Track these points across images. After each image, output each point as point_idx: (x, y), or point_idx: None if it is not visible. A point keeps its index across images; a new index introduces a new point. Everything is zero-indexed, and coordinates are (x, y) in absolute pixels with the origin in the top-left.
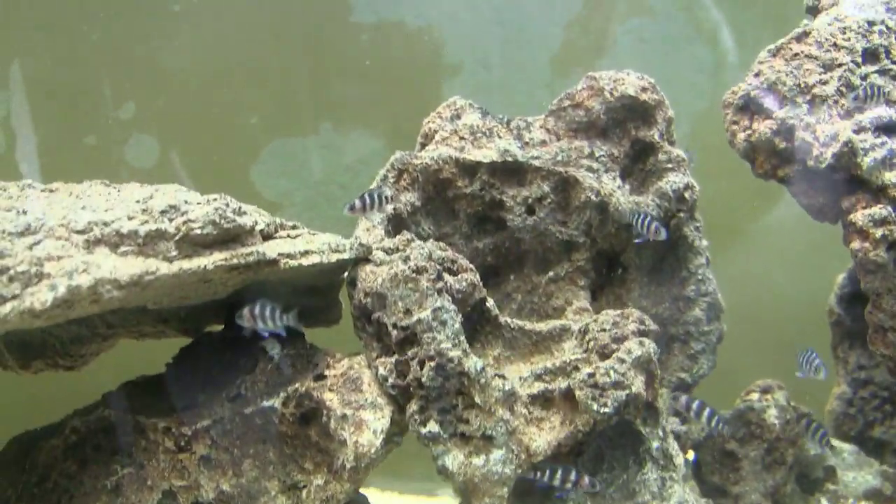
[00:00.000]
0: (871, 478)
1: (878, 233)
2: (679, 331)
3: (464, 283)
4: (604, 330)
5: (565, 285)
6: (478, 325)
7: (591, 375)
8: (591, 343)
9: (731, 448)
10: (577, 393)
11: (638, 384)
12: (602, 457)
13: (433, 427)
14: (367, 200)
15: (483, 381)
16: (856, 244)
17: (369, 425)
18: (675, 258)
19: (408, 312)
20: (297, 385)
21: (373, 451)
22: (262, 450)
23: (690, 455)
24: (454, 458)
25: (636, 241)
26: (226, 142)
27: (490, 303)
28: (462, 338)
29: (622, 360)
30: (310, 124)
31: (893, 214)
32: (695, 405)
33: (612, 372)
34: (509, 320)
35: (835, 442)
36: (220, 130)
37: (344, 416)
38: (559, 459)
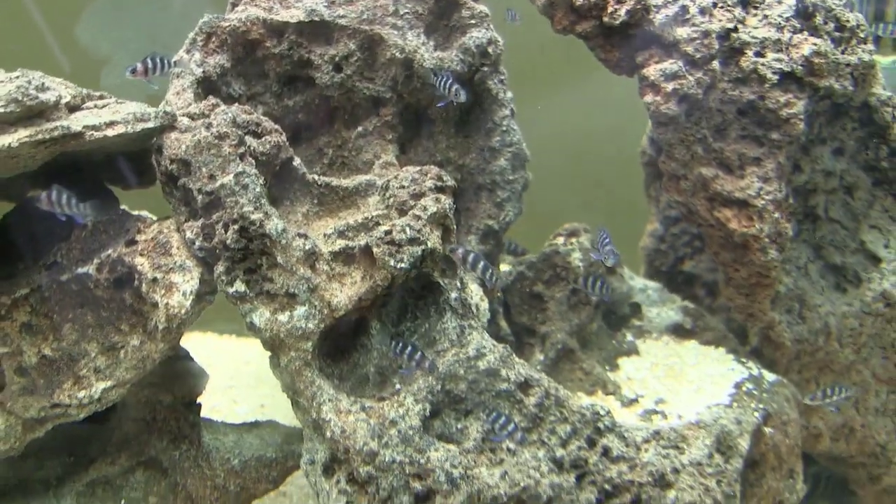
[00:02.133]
0: (674, 313)
1: (669, 87)
2: (486, 180)
3: (268, 146)
4: (402, 187)
5: (374, 140)
6: (286, 184)
7: (388, 232)
8: (392, 200)
9: (538, 290)
10: (375, 250)
11: (434, 239)
12: (406, 308)
13: (240, 287)
14: (150, 64)
15: (284, 241)
16: (649, 97)
17: (179, 287)
18: (480, 111)
19: (212, 178)
20: (109, 251)
21: (183, 311)
22: (80, 314)
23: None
24: (261, 316)
25: (438, 104)
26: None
27: (297, 162)
28: (264, 201)
29: (418, 217)
30: None
31: (684, 69)
32: (470, 257)
33: (407, 228)
34: (317, 178)
35: (640, 280)
36: None
37: (155, 280)
38: (361, 312)
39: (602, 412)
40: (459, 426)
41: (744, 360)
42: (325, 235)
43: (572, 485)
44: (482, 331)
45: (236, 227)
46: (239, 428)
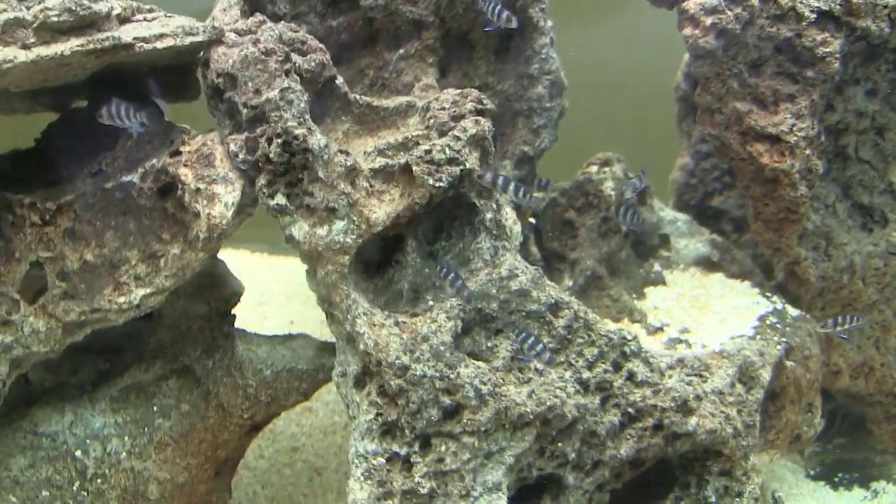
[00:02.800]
0: (702, 245)
1: (709, 21)
2: (523, 106)
3: (313, 63)
4: (443, 108)
5: (415, 63)
6: (328, 102)
7: (428, 152)
8: (432, 120)
9: (569, 217)
10: (415, 168)
11: (472, 160)
12: (441, 227)
13: (280, 200)
14: None
15: (326, 156)
16: (687, 31)
17: (221, 198)
18: (520, 38)
19: (257, 92)
20: (153, 161)
21: (224, 222)
22: (122, 222)
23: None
24: (300, 229)
25: (486, 28)
26: None
27: (340, 81)
28: (307, 116)
29: (457, 138)
30: None
31: (724, 4)
32: (500, 180)
33: (447, 149)
34: (358, 97)
35: (669, 212)
36: None
37: (198, 190)
38: (398, 229)
39: (629, 337)
40: (490, 344)
41: (768, 294)
42: (365, 153)
43: (597, 406)
44: (515, 252)
45: (280, 140)
46: (272, 340)
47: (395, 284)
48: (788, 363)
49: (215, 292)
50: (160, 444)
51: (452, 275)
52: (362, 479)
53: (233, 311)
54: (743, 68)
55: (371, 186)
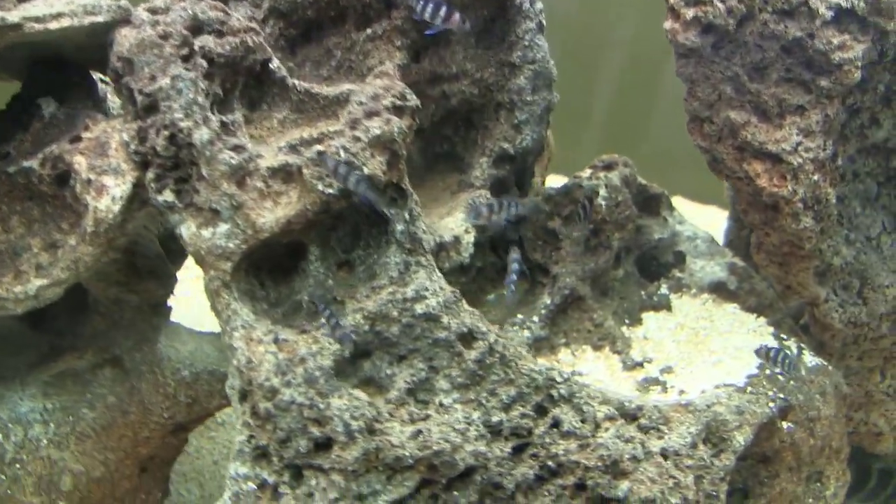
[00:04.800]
0: (719, 269)
1: (690, 13)
2: (504, 98)
3: (228, 47)
4: (361, 103)
5: (382, 45)
6: (266, 87)
7: (321, 153)
8: (348, 115)
9: (553, 226)
10: (304, 171)
11: (374, 165)
12: (359, 234)
13: (168, 196)
14: None
15: (209, 153)
16: (667, 23)
17: (109, 191)
18: (504, 21)
19: (152, 79)
20: (54, 147)
21: (110, 216)
22: (28, 207)
23: None
24: (188, 228)
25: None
26: None
27: (275, 64)
28: (197, 108)
29: (357, 139)
30: None
31: None
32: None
33: (341, 150)
34: (297, 83)
35: (690, 226)
36: None
37: (88, 181)
38: (293, 235)
39: (559, 379)
40: (389, 372)
41: (785, 336)
42: (278, 148)
43: (506, 455)
44: (432, 270)
45: (167, 133)
46: (202, 338)
47: (295, 295)
48: (784, 424)
49: (146, 282)
50: (81, 434)
51: (326, 311)
52: (229, 502)
53: (168, 303)
54: (740, 71)
55: (268, 187)
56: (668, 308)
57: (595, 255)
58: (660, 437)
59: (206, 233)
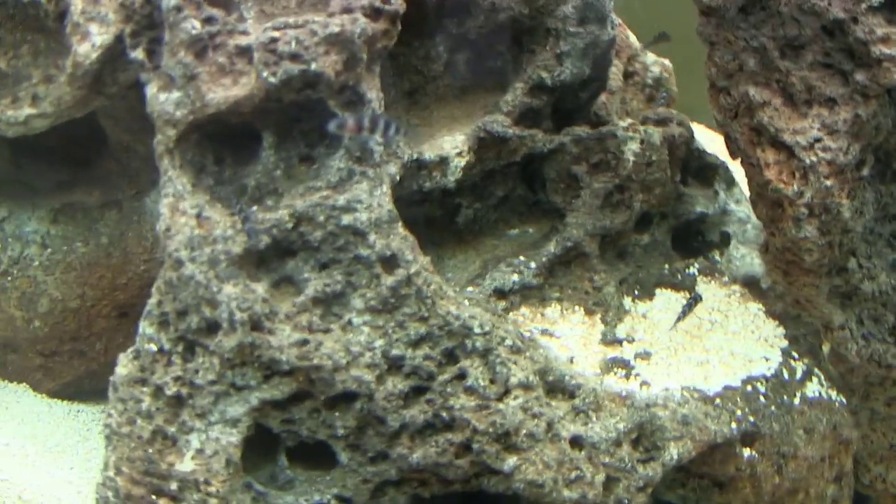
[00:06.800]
0: (759, 263)
1: None
2: (553, 24)
3: None
4: None
5: None
6: None
7: (274, 40)
8: (328, 7)
9: (577, 171)
10: (255, 54)
11: (325, 62)
12: (303, 131)
13: (139, 55)
14: None
15: (172, 18)
16: None
17: (91, 38)
18: None
19: None
20: None
21: (87, 62)
22: (36, 39)
23: None
24: (151, 90)
25: None
26: None
27: None
28: None
29: (313, 33)
30: None
31: None
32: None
33: (293, 42)
34: None
35: (745, 207)
36: None
37: (77, 24)
38: (245, 118)
39: (478, 330)
40: (307, 276)
41: (797, 354)
42: (263, 29)
43: (397, 393)
44: (378, 184)
45: None
46: None
47: (244, 178)
48: (745, 451)
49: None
50: (69, 266)
51: (238, 203)
52: (131, 356)
53: None
54: (770, 45)
55: (232, 64)
56: (689, 290)
57: (614, 212)
58: (584, 424)
59: (162, 97)
